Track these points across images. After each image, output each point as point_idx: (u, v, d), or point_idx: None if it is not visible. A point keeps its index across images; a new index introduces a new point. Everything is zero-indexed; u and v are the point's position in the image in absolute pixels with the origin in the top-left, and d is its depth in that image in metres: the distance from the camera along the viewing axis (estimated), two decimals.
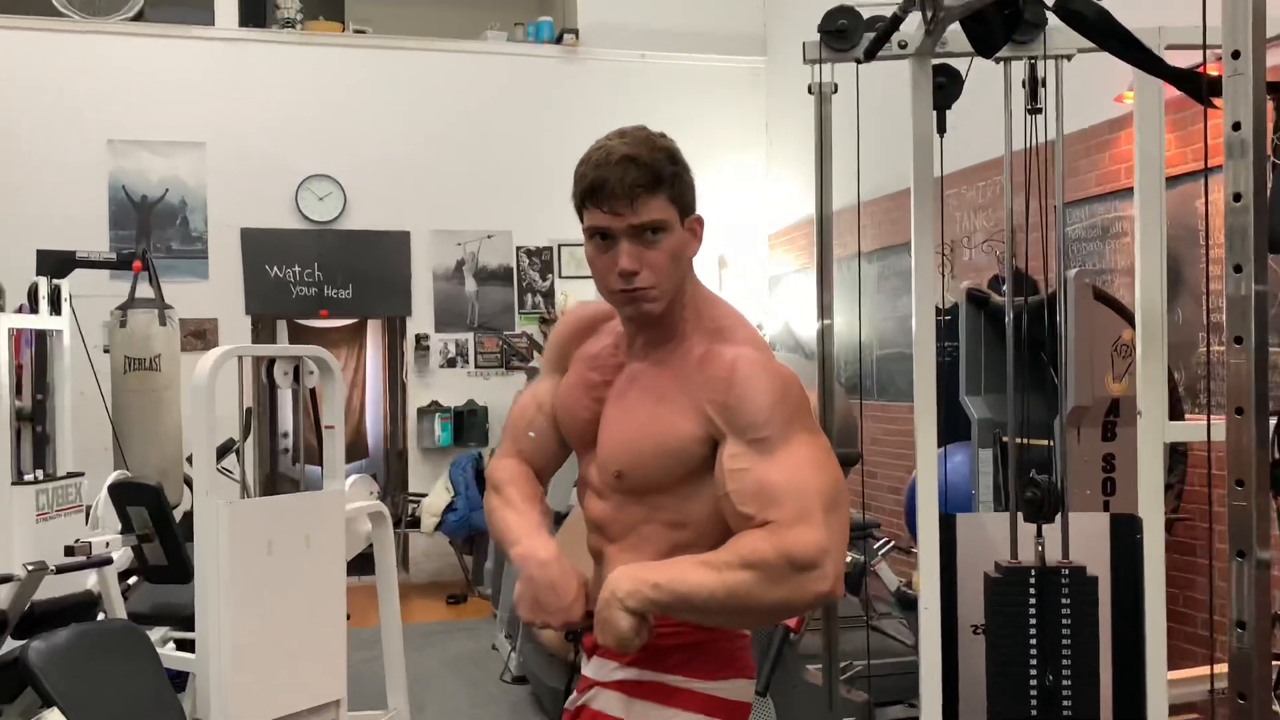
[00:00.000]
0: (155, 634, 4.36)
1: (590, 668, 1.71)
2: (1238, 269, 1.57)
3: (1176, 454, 4.30)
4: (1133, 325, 3.80)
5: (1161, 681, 2.70)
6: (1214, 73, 1.76)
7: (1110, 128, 4.91)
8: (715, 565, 1.52)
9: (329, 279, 8.10)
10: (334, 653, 4.26)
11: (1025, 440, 3.02)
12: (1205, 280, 4.26)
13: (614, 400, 1.73)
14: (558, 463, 1.90)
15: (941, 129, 2.89)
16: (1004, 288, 4.81)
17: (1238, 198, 1.57)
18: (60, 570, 3.69)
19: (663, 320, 1.69)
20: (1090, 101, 4.76)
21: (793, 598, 1.51)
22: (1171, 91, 2.50)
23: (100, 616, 4.03)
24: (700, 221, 1.71)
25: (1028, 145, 2.87)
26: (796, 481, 1.54)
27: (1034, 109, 2.79)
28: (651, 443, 1.64)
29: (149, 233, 7.76)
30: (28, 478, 4.48)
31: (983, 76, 2.86)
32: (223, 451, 5.83)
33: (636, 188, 1.61)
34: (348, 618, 4.45)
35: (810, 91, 2.89)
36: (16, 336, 5.44)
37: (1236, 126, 1.58)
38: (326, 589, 4.24)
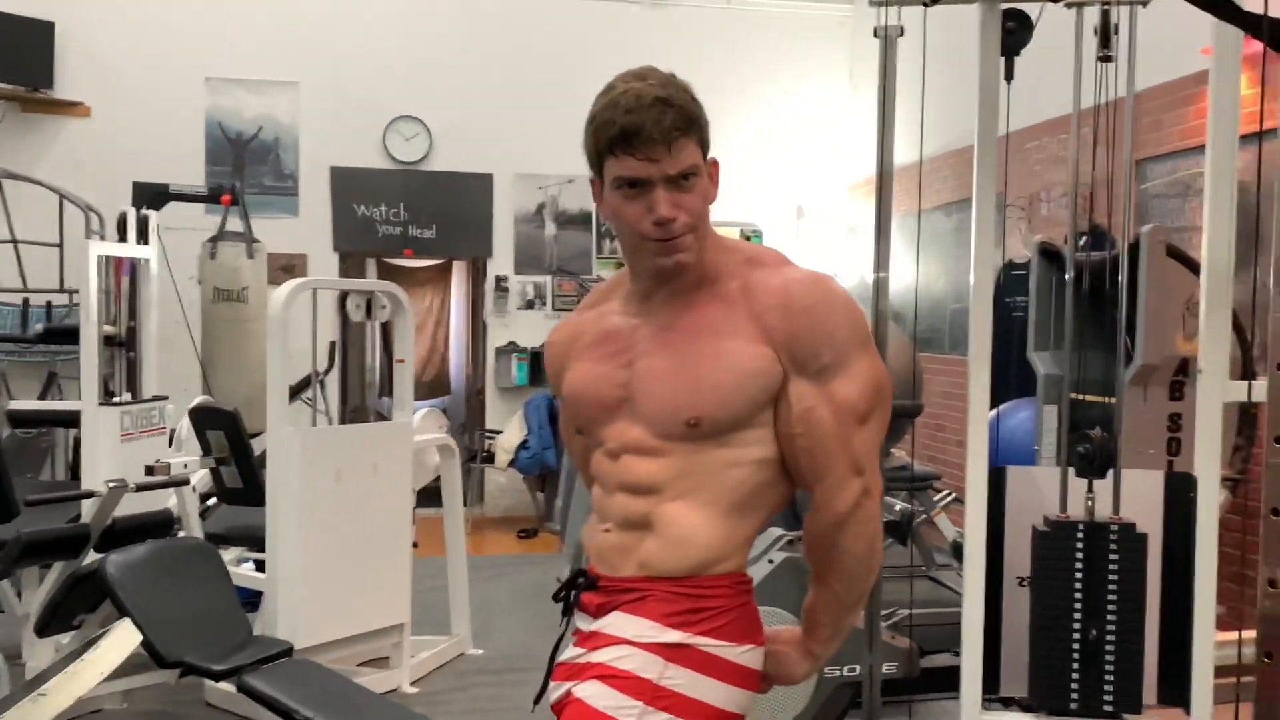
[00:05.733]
0: (230, 554, 4.50)
1: (613, 625, 1.61)
2: None
3: (1248, 415, 4.16)
4: None
5: (1208, 641, 2.62)
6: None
7: (1196, 81, 4.71)
8: (824, 587, 1.66)
9: (414, 219, 8.17)
10: (399, 578, 4.34)
11: (1082, 395, 2.94)
12: None
13: (650, 355, 1.63)
14: None
15: (1009, 76, 2.79)
16: (1081, 242, 4.66)
17: None
18: (140, 488, 3.81)
19: (691, 264, 1.62)
20: (1176, 54, 4.57)
21: (866, 537, 1.62)
22: (1255, 44, 2.38)
23: (180, 534, 4.16)
24: (717, 165, 1.62)
25: (1099, 97, 2.76)
26: (845, 422, 1.57)
27: (1105, 56, 2.69)
28: (733, 376, 1.56)
29: (243, 169, 7.88)
30: (115, 399, 4.61)
31: (1062, 26, 2.75)
32: (302, 384, 5.94)
33: (674, 131, 1.52)
34: (415, 546, 4.53)
35: (875, 35, 2.81)
36: (118, 265, 5.59)
37: None
38: (393, 516, 4.32)
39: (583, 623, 1.67)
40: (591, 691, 1.55)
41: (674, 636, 1.56)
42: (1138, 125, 3.81)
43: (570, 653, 1.66)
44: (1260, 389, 2.95)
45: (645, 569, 1.60)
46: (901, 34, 2.82)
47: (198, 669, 3.22)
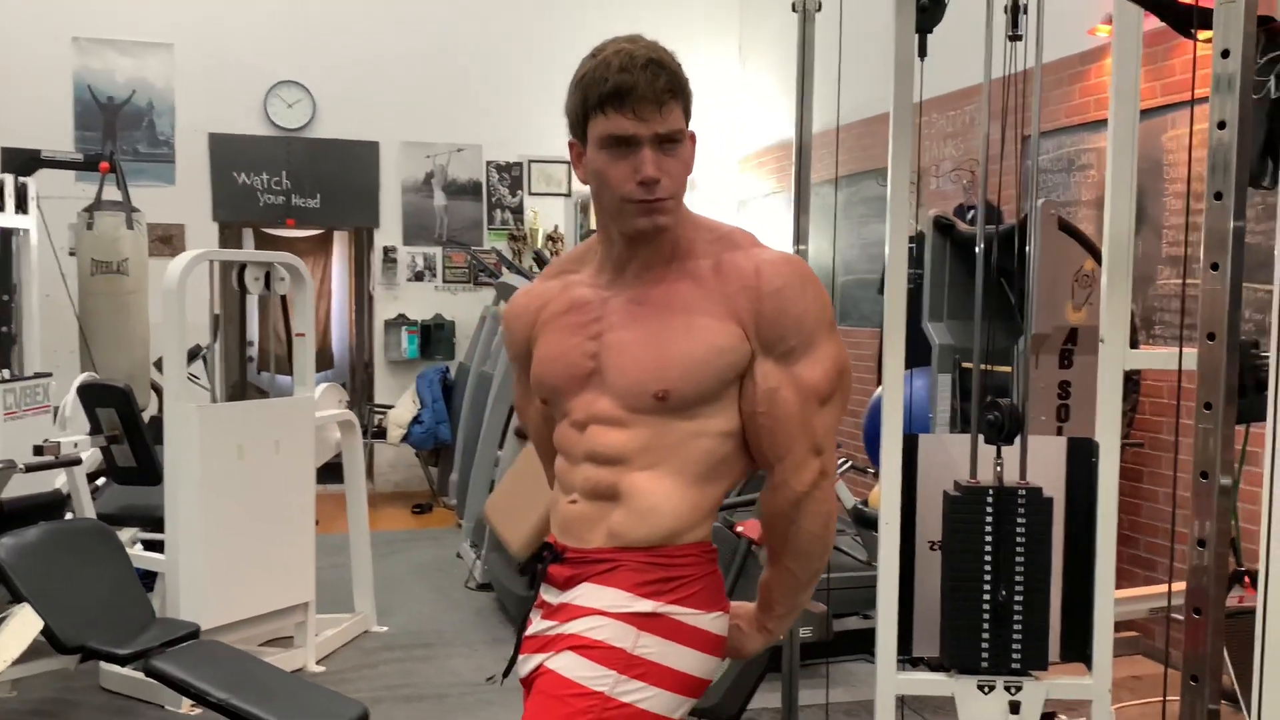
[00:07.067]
0: (124, 534, 4.34)
1: (584, 596, 1.61)
2: (1218, 196, 1.57)
3: (1130, 382, 4.36)
4: (1094, 256, 3.81)
5: (1109, 599, 2.75)
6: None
7: (1081, 60, 4.89)
8: (779, 565, 1.68)
9: (297, 187, 7.96)
10: (303, 556, 4.27)
11: (988, 366, 3.03)
12: (1185, 213, 4.29)
13: (621, 328, 1.63)
14: None
15: (923, 53, 2.85)
16: (969, 216, 4.79)
17: (1222, 125, 1.57)
18: (29, 469, 3.66)
19: (666, 235, 1.62)
20: (1063, 34, 4.73)
21: (822, 516, 1.65)
22: (1146, 24, 2.48)
23: (69, 516, 4.00)
24: (694, 138, 1.65)
25: (1006, 73, 2.83)
26: (808, 404, 1.60)
27: (1015, 35, 2.76)
28: (701, 351, 1.57)
29: (115, 135, 7.57)
30: None
31: (960, 3, 2.81)
32: (190, 357, 5.76)
33: (666, 93, 1.55)
34: (316, 523, 4.45)
35: (794, 9, 2.84)
36: None
37: (1225, 54, 1.57)
38: (296, 494, 4.23)
39: (549, 595, 1.67)
40: (565, 663, 1.56)
41: (646, 606, 1.58)
42: (1027, 102, 3.93)
43: (538, 625, 1.65)
44: (1157, 357, 3.11)
45: (614, 539, 1.61)
46: (820, 9, 2.85)
47: (102, 653, 3.12)
